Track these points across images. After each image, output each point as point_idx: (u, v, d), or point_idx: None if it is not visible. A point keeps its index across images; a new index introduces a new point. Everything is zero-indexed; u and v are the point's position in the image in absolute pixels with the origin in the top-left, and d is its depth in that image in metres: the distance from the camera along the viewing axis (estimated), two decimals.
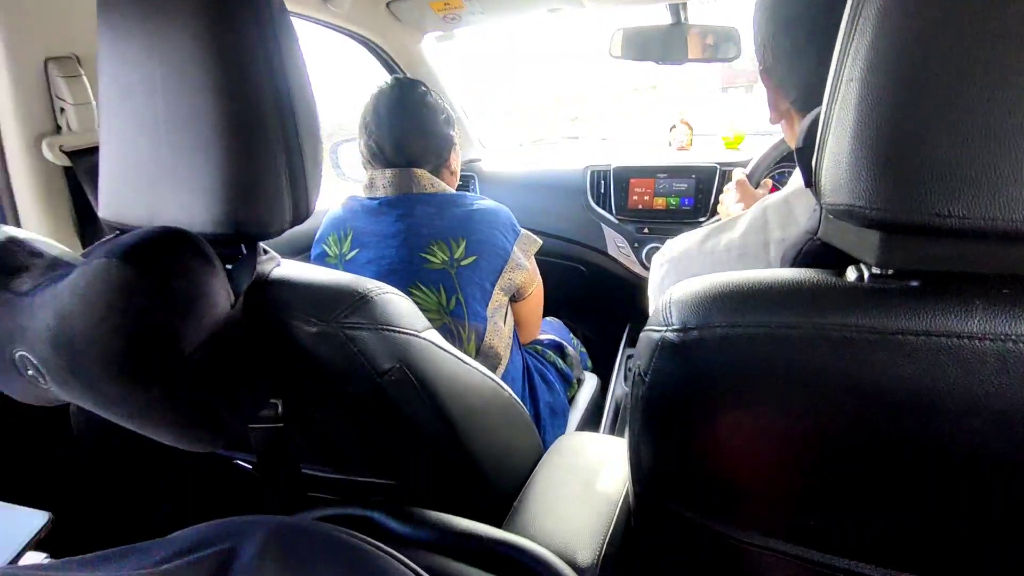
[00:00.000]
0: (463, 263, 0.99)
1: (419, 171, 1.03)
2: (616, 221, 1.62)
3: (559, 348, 1.29)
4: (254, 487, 0.65)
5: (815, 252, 0.48)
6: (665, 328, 0.46)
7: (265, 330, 0.54)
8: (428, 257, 0.99)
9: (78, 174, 0.77)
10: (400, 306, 0.59)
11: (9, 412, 0.72)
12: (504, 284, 1.04)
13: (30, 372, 0.49)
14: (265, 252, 0.59)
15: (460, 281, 0.99)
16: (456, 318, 0.99)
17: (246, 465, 0.75)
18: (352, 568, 0.38)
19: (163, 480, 0.78)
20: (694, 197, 1.54)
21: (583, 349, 1.43)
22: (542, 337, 1.30)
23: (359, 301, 0.55)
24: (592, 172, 1.65)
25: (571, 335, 1.42)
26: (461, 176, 1.61)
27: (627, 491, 0.72)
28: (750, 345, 0.42)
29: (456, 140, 1.12)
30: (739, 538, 0.53)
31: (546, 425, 1.13)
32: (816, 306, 0.40)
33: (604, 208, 1.64)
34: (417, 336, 0.59)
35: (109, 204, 0.59)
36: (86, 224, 0.80)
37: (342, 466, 0.69)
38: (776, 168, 1.31)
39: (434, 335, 0.63)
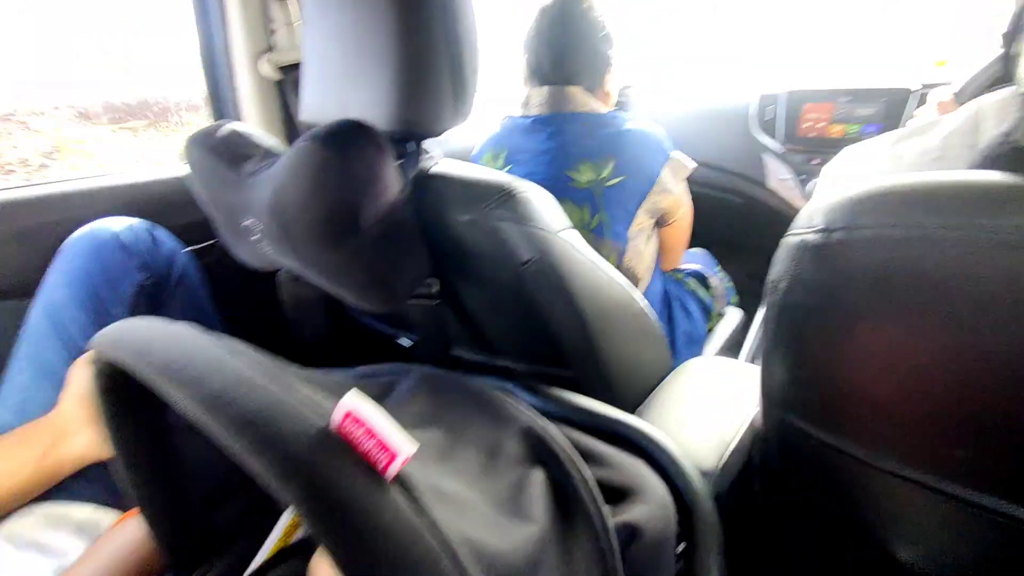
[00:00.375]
0: (608, 183, 1.00)
1: (573, 89, 1.03)
2: (782, 150, 1.49)
3: (702, 278, 1.26)
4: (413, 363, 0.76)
5: (1006, 156, 0.42)
6: (807, 230, 0.44)
7: (427, 216, 0.62)
8: (574, 176, 1.01)
9: (285, 86, 0.91)
10: (541, 205, 0.63)
11: (232, 288, 0.92)
12: (649, 207, 1.03)
13: (254, 237, 0.63)
14: (427, 152, 0.66)
15: (604, 201, 1.00)
16: (597, 236, 1.01)
17: (407, 343, 0.87)
18: (483, 406, 0.45)
19: (342, 350, 0.94)
20: (881, 123, 1.35)
21: (730, 284, 1.38)
22: (685, 266, 1.27)
23: (505, 196, 0.60)
24: (759, 97, 1.52)
25: (717, 268, 1.37)
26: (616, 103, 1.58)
27: (755, 414, 0.71)
28: (901, 247, 0.39)
29: (614, 61, 1.10)
30: (872, 463, 0.50)
31: (681, 352, 1.13)
32: (987, 207, 0.36)
33: (769, 136, 1.51)
34: (555, 234, 0.63)
35: (307, 106, 0.69)
36: (291, 129, 0.96)
37: (486, 350, 0.77)
38: (992, 89, 1.10)
39: (573, 235, 0.66)
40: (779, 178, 1.51)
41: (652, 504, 0.43)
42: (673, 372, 0.82)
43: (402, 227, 0.59)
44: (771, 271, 0.50)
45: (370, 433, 0.25)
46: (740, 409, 0.73)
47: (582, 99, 1.03)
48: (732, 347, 1.27)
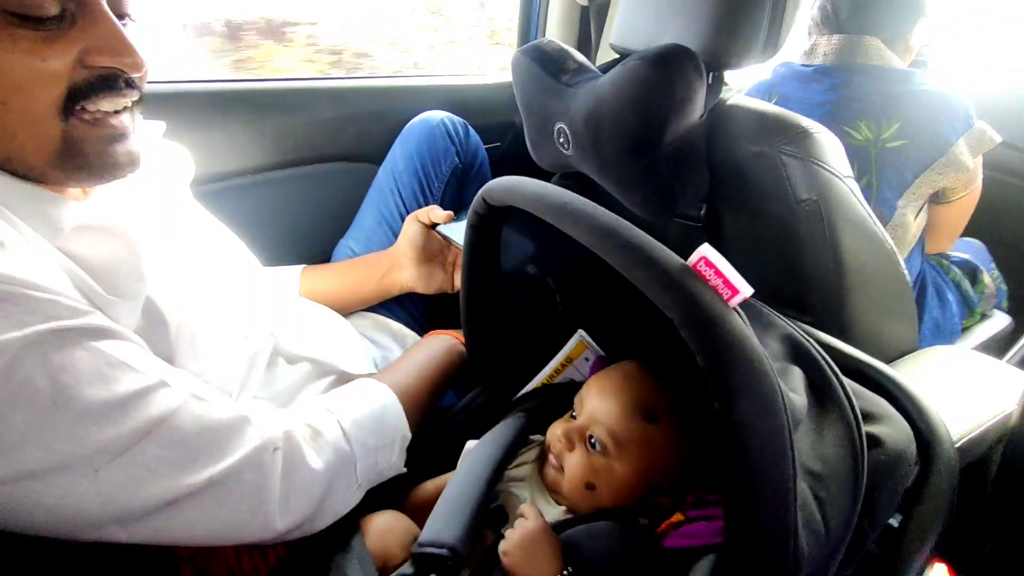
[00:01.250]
0: (889, 145, 0.94)
1: (870, 39, 0.97)
2: None
3: (971, 271, 1.12)
4: None
5: None
6: None
7: (714, 142, 0.68)
8: (851, 132, 0.96)
9: (590, 12, 1.01)
10: (833, 148, 0.65)
11: None
12: (931, 178, 0.95)
13: (560, 140, 0.75)
14: (726, 83, 0.71)
15: (878, 163, 0.95)
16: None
17: None
18: (748, 308, 0.51)
19: None
20: None
21: (1003, 286, 1.20)
22: (953, 254, 1.15)
23: (800, 134, 0.63)
24: None
25: (992, 266, 1.20)
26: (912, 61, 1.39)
27: (1011, 412, 0.66)
28: None
29: (928, 11, 0.99)
30: None
31: (924, 339, 1.04)
32: None
33: None
34: (840, 179, 0.64)
35: (620, 32, 0.78)
36: (585, 50, 1.06)
37: None
38: None
39: (855, 186, 0.67)
40: None
41: (892, 428, 0.46)
42: (919, 351, 0.79)
43: (693, 148, 0.65)
44: None
45: (719, 274, 0.34)
46: (991, 402, 0.68)
47: (877, 51, 0.96)
48: (990, 352, 1.13)
